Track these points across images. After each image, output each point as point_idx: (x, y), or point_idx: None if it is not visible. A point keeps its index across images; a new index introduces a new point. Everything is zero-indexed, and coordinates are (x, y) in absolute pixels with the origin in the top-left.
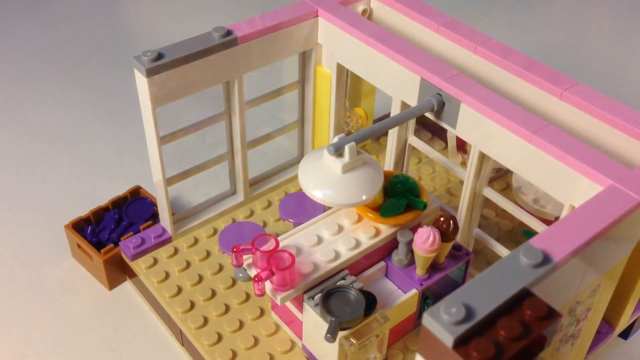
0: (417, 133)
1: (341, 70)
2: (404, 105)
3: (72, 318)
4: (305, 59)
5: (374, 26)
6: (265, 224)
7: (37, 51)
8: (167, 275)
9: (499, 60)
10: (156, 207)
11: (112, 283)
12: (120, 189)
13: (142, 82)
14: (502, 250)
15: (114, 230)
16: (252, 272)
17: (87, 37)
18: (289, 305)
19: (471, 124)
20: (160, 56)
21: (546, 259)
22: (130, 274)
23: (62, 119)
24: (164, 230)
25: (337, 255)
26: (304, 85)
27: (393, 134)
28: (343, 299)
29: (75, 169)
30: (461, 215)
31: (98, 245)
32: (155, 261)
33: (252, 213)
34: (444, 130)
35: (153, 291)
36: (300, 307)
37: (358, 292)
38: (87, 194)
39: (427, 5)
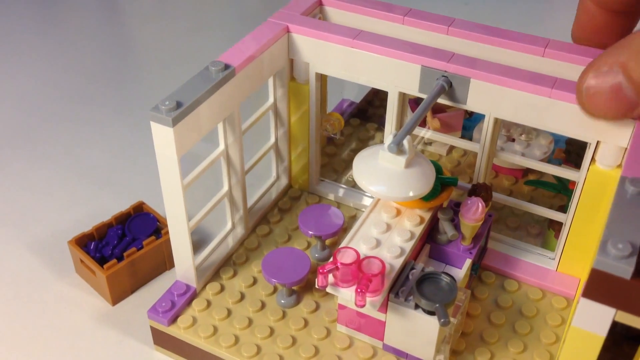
0: (361, 127)
1: (318, 79)
2: (401, 95)
3: (75, 333)
4: (276, 77)
5: (349, 29)
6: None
7: (42, 69)
8: (215, 329)
9: (474, 35)
10: (159, 222)
11: (115, 298)
12: (123, 205)
13: (164, 134)
14: (520, 203)
15: (117, 245)
16: (338, 290)
17: (91, 55)
18: (366, 310)
19: (483, 95)
20: (178, 104)
21: None
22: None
23: (64, 136)
24: (187, 286)
25: (402, 249)
26: (276, 104)
27: (391, 123)
28: (432, 285)
29: (78, 185)
30: (479, 181)
31: (101, 261)
32: (194, 319)
33: (259, 245)
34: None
35: (206, 347)
36: (382, 309)
37: (444, 274)
38: (90, 211)
39: (377, 1)
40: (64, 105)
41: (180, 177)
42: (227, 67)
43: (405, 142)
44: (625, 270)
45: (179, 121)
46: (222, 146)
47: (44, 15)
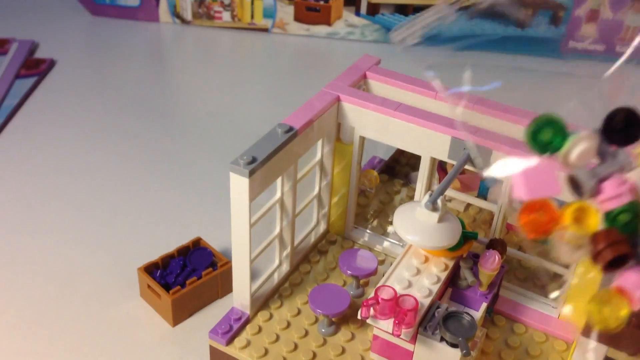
0: (389, 182)
1: (361, 141)
2: (432, 160)
3: (139, 349)
4: (325, 138)
5: (390, 101)
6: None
7: (99, 110)
8: (266, 350)
9: (495, 112)
10: (215, 257)
11: (176, 320)
12: (179, 239)
13: (240, 183)
14: (529, 257)
15: (180, 274)
16: (377, 322)
17: (143, 105)
18: (397, 341)
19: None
20: (254, 159)
21: None
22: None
23: (127, 178)
24: (242, 313)
25: (430, 290)
26: (322, 160)
27: (422, 182)
28: (456, 321)
29: (137, 219)
30: (495, 236)
31: (165, 287)
32: (248, 341)
33: (301, 281)
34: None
35: None
36: (412, 340)
37: (466, 314)
38: (150, 243)
39: (414, 78)
40: (122, 148)
41: (249, 219)
42: (291, 129)
43: (439, 201)
44: None
45: (253, 173)
46: (278, 194)
47: (98, 60)
